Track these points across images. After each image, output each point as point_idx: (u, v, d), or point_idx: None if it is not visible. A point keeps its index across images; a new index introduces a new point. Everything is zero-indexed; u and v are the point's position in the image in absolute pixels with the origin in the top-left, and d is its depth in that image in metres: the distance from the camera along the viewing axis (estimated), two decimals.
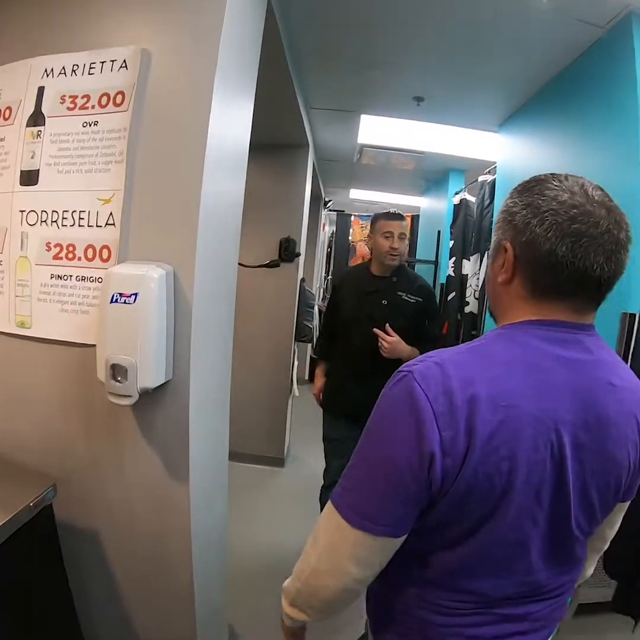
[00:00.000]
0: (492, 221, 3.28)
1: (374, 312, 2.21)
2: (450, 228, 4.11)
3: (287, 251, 3.54)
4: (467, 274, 3.93)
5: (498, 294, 0.80)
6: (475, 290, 3.62)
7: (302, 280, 3.77)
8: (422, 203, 5.75)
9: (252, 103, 1.59)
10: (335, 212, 6.66)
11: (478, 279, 3.60)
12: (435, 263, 4.68)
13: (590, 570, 0.99)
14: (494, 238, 0.80)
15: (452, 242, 4.01)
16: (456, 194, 4.15)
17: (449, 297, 3.94)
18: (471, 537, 0.72)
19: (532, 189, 0.74)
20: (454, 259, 3.96)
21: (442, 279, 4.38)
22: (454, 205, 4.13)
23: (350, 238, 6.64)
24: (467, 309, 3.70)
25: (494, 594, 0.76)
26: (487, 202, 3.36)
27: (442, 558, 0.75)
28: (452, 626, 0.77)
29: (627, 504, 0.86)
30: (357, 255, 6.59)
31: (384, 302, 2.22)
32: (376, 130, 3.45)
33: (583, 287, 0.71)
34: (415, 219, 5.88)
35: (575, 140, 2.20)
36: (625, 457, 0.74)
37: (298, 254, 3.59)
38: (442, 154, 3.86)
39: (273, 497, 3.36)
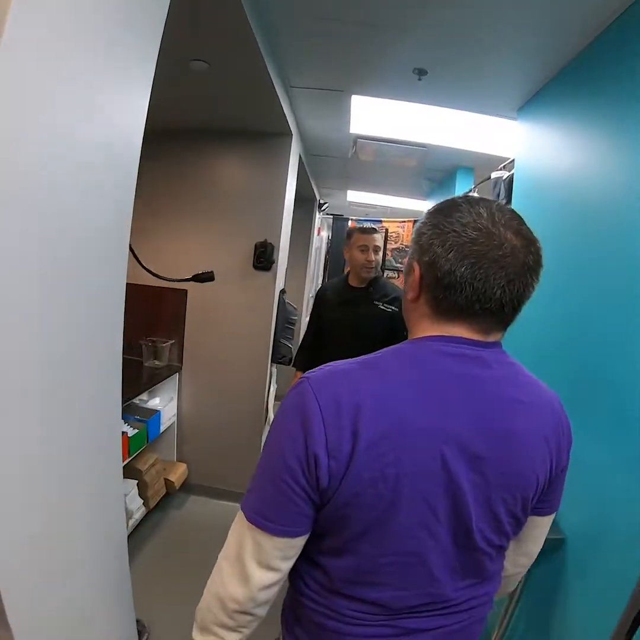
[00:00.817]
0: None
1: (354, 321, 2.37)
2: None
3: (263, 257, 2.99)
4: None
5: (407, 310, 0.84)
6: None
7: (282, 292, 3.22)
8: (427, 207, 5.20)
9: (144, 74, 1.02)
10: (331, 217, 6.11)
11: None
12: None
13: (510, 587, 1.01)
14: (407, 257, 0.83)
15: None
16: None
17: None
18: (360, 544, 0.74)
19: (441, 210, 0.77)
20: None
21: None
22: None
23: None
24: None
25: (394, 604, 0.78)
26: (503, 202, 2.80)
27: (336, 565, 0.77)
28: (351, 636, 0.78)
29: (549, 519, 0.90)
30: None
31: (363, 311, 2.38)
32: (371, 116, 2.91)
33: (483, 308, 0.73)
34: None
35: (610, 128, 1.62)
36: (531, 474, 0.77)
37: (272, 262, 3.05)
38: (449, 148, 3.32)
39: None
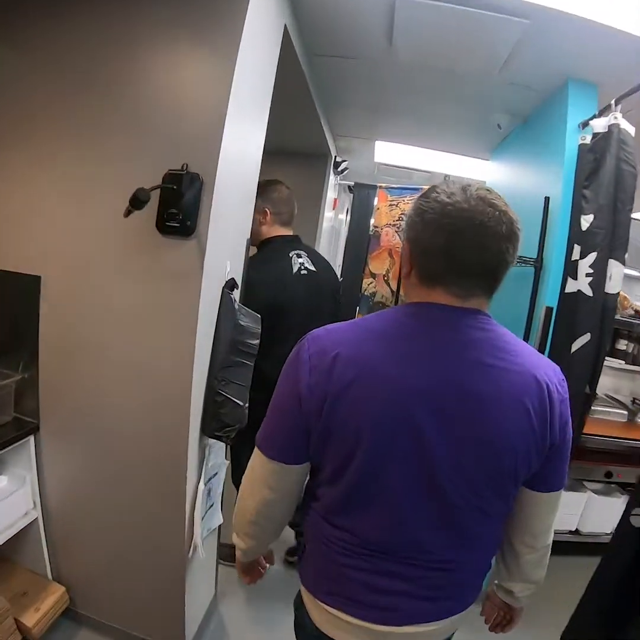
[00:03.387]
0: None
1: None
2: (581, 190, 1.85)
3: (176, 207, 1.38)
4: (616, 294, 1.75)
5: (403, 285, 0.95)
6: None
7: (231, 285, 1.60)
8: (489, 170, 3.53)
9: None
10: (351, 185, 4.43)
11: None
12: (538, 264, 2.22)
13: (533, 573, 1.01)
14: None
15: (591, 218, 1.76)
16: (585, 123, 1.95)
17: (576, 347, 1.73)
18: (341, 477, 0.85)
19: (424, 194, 0.85)
20: (592, 256, 1.74)
21: (549, 299, 2.11)
22: (584, 146, 1.93)
23: (371, 221, 4.41)
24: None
25: (368, 536, 0.87)
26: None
27: (322, 493, 0.91)
28: (336, 563, 0.90)
29: (549, 496, 0.91)
30: (382, 247, 4.36)
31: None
32: None
33: (460, 275, 0.82)
34: None
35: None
36: (505, 440, 0.80)
37: (193, 218, 1.41)
38: (578, 19, 1.66)
39: None
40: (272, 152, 4.07)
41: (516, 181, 2.94)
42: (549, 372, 0.85)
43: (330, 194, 4.23)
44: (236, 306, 1.58)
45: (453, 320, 0.82)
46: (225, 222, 1.53)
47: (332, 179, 4.17)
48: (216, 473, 1.82)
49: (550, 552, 1.00)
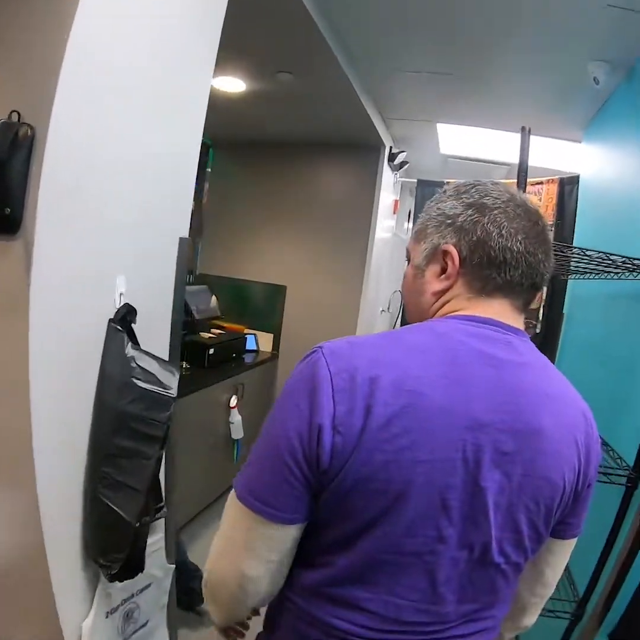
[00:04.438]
0: None
1: None
2: None
3: None
4: None
5: (428, 302, 0.76)
6: None
7: (120, 318, 0.96)
8: (582, 152, 2.65)
9: None
10: (413, 183, 3.68)
11: None
12: None
13: (530, 619, 0.89)
14: (422, 245, 0.77)
15: None
16: None
17: None
18: (362, 539, 0.65)
19: (469, 191, 0.74)
20: None
21: None
22: None
23: None
24: None
25: (385, 613, 0.67)
26: None
27: (328, 561, 0.68)
28: None
29: (571, 543, 0.80)
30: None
31: None
32: None
33: (532, 283, 0.72)
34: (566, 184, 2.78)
35: None
36: (559, 478, 0.68)
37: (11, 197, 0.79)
38: None
39: None
40: (306, 143, 3.50)
41: (621, 171, 1.98)
42: (586, 405, 0.75)
43: (386, 194, 3.51)
44: (130, 353, 0.95)
45: (511, 341, 0.70)
46: (96, 204, 0.91)
47: (387, 176, 3.46)
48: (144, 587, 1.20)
49: None
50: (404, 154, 3.37)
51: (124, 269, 0.99)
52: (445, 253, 0.73)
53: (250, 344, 3.51)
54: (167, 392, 0.97)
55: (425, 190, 3.58)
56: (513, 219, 0.70)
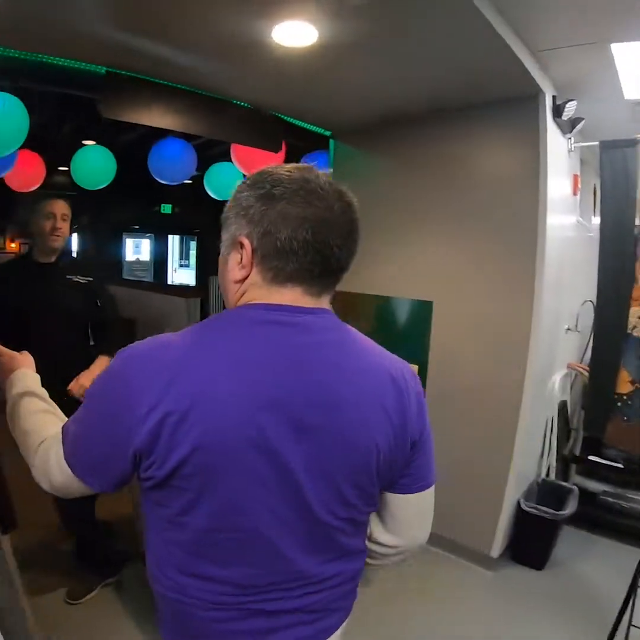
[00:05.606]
0: None
1: (52, 304, 2.18)
2: None
3: None
4: None
5: (229, 288, 0.82)
6: None
7: None
8: None
9: None
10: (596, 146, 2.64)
11: None
12: None
13: (419, 534, 0.95)
14: (225, 234, 0.82)
15: None
16: None
17: None
18: (194, 517, 0.73)
19: (261, 181, 0.77)
20: None
21: None
22: None
23: (638, 198, 2.53)
24: None
25: (244, 581, 0.77)
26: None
27: (175, 537, 0.76)
28: (201, 620, 0.78)
29: (419, 497, 0.88)
30: None
31: (59, 290, 2.22)
32: None
33: (325, 269, 0.76)
34: None
35: None
36: (369, 443, 0.76)
37: None
38: None
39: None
40: (437, 110, 2.56)
41: None
42: (401, 366, 0.84)
43: (557, 166, 2.51)
44: None
45: (306, 322, 0.76)
46: None
47: (556, 140, 2.49)
48: None
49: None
50: (574, 104, 2.39)
51: None
52: (240, 244, 0.77)
53: None
54: None
55: (612, 154, 2.55)
56: (302, 208, 0.73)
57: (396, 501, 0.87)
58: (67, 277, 2.26)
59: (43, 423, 0.91)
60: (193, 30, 1.89)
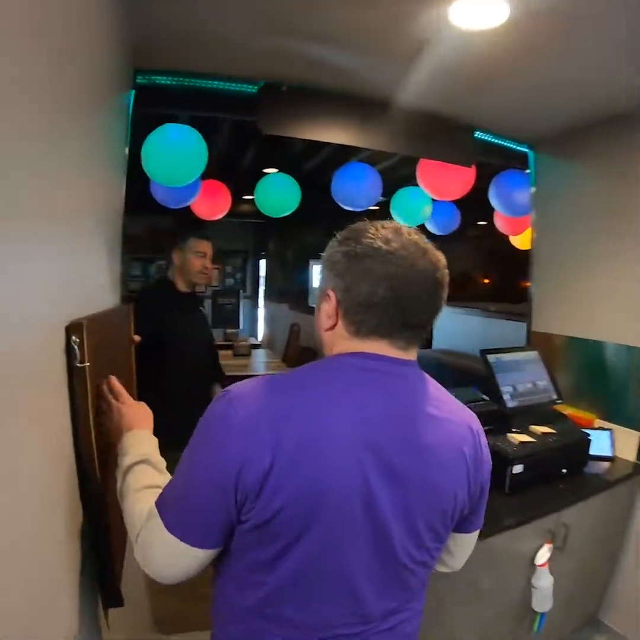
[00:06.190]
0: None
1: (193, 330, 2.37)
2: None
3: None
4: None
5: (325, 338, 0.87)
6: None
7: None
8: None
9: None
10: None
11: None
12: None
13: (459, 564, 1.02)
14: (319, 284, 0.88)
15: None
16: None
17: None
18: (284, 560, 0.74)
19: (351, 238, 0.82)
20: None
21: None
22: None
23: None
24: None
25: (318, 622, 0.78)
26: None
27: (259, 580, 0.76)
28: None
29: (474, 536, 0.97)
30: None
31: (198, 318, 2.48)
32: None
33: (405, 325, 0.79)
34: None
35: None
36: (449, 489, 0.81)
37: None
38: None
39: None
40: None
41: None
42: (474, 417, 0.89)
43: None
44: None
45: (401, 372, 0.81)
46: None
47: None
48: None
49: None
50: None
51: None
52: (328, 296, 0.83)
53: (599, 447, 2.17)
54: None
55: None
56: (383, 266, 0.77)
57: (454, 539, 0.94)
58: (200, 308, 2.50)
59: (148, 502, 0.80)
60: (348, 21, 1.57)
